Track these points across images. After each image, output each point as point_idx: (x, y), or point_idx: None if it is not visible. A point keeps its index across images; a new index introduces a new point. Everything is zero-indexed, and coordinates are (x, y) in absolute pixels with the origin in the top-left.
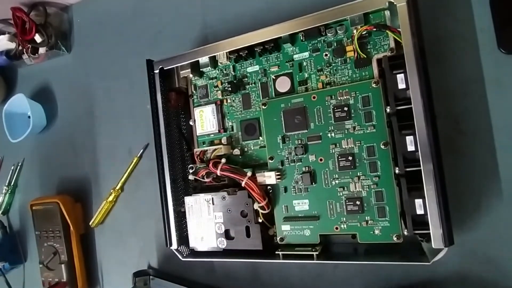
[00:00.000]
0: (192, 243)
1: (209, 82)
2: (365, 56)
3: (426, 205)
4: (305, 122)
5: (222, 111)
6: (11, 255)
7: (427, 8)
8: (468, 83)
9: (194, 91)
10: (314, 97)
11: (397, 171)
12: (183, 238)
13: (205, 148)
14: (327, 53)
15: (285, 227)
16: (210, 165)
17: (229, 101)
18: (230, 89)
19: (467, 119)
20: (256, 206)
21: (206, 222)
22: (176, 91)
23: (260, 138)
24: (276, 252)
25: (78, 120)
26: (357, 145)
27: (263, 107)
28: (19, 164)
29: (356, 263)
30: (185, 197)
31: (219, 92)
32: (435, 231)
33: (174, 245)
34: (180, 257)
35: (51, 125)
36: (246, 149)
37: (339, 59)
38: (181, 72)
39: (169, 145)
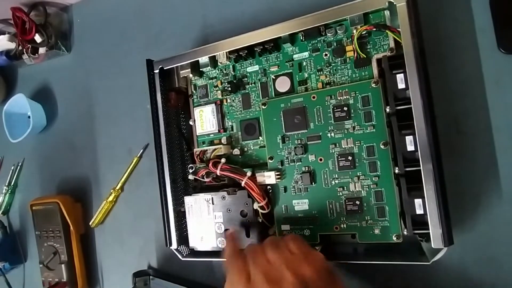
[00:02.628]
0: (192, 243)
1: (209, 82)
2: (365, 56)
3: (426, 205)
4: (305, 122)
5: (222, 111)
6: (11, 255)
7: (427, 8)
8: (468, 83)
9: (194, 91)
10: (314, 97)
11: (396, 171)
12: (183, 238)
13: (205, 148)
14: (327, 53)
15: (285, 227)
16: (210, 165)
17: (229, 101)
18: (230, 89)
19: (467, 119)
20: (256, 206)
21: (206, 222)
22: (176, 91)
23: (260, 138)
24: None
25: (78, 120)
26: (356, 145)
27: (263, 107)
28: (19, 164)
29: (356, 263)
30: (185, 197)
31: (219, 92)
32: (435, 231)
33: (174, 245)
34: (180, 257)
35: (51, 125)
36: (246, 149)
37: (339, 59)
38: (181, 72)
39: (169, 145)
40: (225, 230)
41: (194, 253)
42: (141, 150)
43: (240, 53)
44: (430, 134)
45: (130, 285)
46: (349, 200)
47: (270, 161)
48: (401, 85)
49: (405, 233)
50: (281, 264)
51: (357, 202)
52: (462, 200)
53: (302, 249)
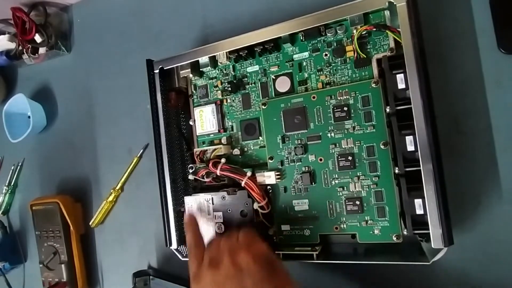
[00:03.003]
0: None
1: (209, 82)
2: (365, 56)
3: (426, 205)
4: (305, 122)
5: (222, 111)
6: (11, 255)
7: (427, 8)
8: (468, 83)
9: (194, 91)
10: (314, 97)
11: (396, 171)
12: (183, 238)
13: (205, 148)
14: (327, 53)
15: (285, 227)
16: (210, 165)
17: (229, 101)
18: (230, 89)
19: (467, 119)
20: (256, 206)
21: (206, 221)
22: (176, 91)
23: (260, 138)
24: (276, 252)
25: (78, 120)
26: (356, 145)
27: (263, 107)
28: (19, 164)
29: (356, 263)
30: (185, 197)
31: (219, 92)
32: (435, 231)
33: (174, 245)
34: (180, 257)
35: (51, 125)
36: (246, 149)
37: (339, 59)
38: (181, 72)
39: (169, 145)
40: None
41: None
42: (141, 150)
43: (240, 53)
44: (430, 134)
45: (130, 285)
46: (349, 200)
47: (270, 161)
48: (401, 85)
49: (405, 233)
50: (225, 250)
51: (357, 202)
52: (462, 200)
53: (247, 239)
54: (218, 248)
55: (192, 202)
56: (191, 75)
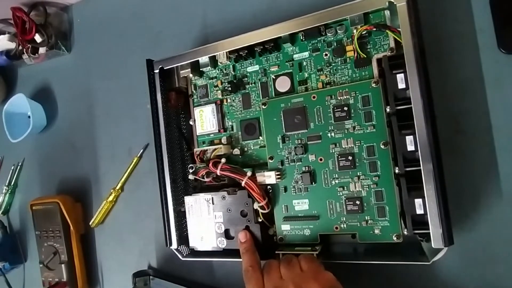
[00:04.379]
0: (192, 243)
1: (209, 82)
2: (365, 56)
3: (426, 205)
4: (305, 122)
5: (222, 111)
6: (11, 255)
7: (427, 8)
8: (468, 83)
9: (194, 91)
10: (314, 97)
11: (397, 171)
12: (183, 238)
13: (205, 148)
14: (327, 53)
15: (285, 227)
16: (210, 165)
17: (229, 101)
18: (230, 89)
19: (467, 119)
20: (256, 205)
21: (206, 221)
22: (176, 91)
23: (260, 138)
24: (276, 252)
25: (78, 120)
26: (357, 145)
27: (263, 107)
28: (19, 164)
29: (356, 262)
30: (185, 197)
31: (219, 91)
32: (435, 230)
33: (174, 245)
34: (180, 256)
35: (51, 125)
36: (246, 149)
37: (339, 59)
38: (181, 72)
39: (169, 145)
40: (244, 228)
41: (194, 253)
42: (141, 150)
43: (240, 53)
44: (430, 134)
45: (130, 285)
46: (349, 200)
47: (270, 161)
48: (401, 85)
49: (405, 233)
50: (290, 279)
51: (357, 202)
52: (462, 200)
53: (312, 268)
54: (280, 276)
55: (192, 202)
56: (191, 75)
